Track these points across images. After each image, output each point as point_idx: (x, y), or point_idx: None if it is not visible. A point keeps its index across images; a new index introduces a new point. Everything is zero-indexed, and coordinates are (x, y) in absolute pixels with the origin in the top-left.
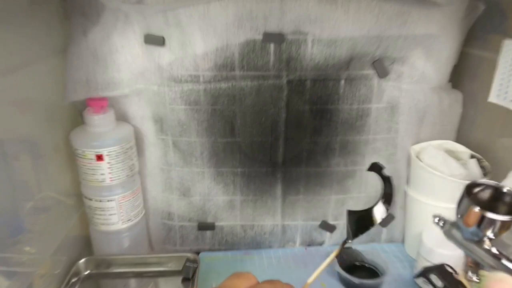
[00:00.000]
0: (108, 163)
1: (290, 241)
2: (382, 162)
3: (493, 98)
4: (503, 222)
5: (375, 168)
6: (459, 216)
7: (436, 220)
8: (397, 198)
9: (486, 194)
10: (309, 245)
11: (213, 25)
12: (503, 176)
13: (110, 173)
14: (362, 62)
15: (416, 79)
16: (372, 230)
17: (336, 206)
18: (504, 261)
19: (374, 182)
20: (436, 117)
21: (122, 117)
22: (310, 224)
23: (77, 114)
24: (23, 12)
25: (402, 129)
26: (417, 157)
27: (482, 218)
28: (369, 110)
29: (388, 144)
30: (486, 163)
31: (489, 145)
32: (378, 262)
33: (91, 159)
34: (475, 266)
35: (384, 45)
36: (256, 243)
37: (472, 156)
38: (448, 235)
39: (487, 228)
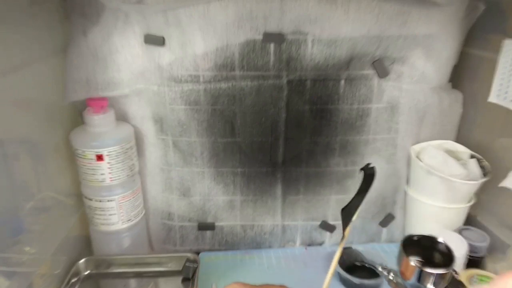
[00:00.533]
0: (108, 163)
1: (290, 241)
2: (382, 162)
3: (493, 98)
4: (440, 274)
5: (365, 168)
6: (398, 270)
7: (380, 268)
8: (397, 198)
9: (423, 246)
10: (309, 245)
11: (213, 25)
12: (503, 176)
13: (110, 173)
14: (362, 62)
15: (416, 79)
16: (372, 230)
17: (336, 206)
18: None
19: (374, 182)
20: (436, 117)
21: (122, 117)
22: (310, 224)
23: (77, 114)
24: (23, 12)
25: (402, 129)
26: (417, 157)
27: (420, 271)
28: (369, 110)
29: (388, 144)
30: (486, 163)
31: (489, 145)
32: (378, 262)
33: (91, 159)
34: None
35: (384, 45)
36: (256, 243)
37: (472, 156)
38: (393, 285)
39: (426, 281)
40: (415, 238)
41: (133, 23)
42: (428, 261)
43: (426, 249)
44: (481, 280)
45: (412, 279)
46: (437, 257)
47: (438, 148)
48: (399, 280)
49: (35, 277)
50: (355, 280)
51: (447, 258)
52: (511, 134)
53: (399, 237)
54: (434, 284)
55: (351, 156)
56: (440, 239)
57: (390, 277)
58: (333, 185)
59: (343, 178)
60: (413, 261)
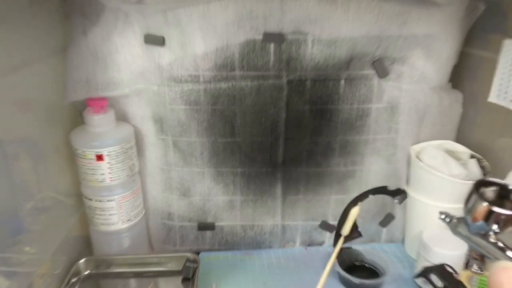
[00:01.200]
0: (108, 163)
1: (290, 241)
2: (382, 162)
3: (493, 98)
4: (508, 216)
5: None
6: (467, 211)
7: (443, 216)
8: (397, 198)
9: (492, 192)
10: (309, 245)
11: (213, 25)
12: (503, 176)
13: (110, 173)
14: (362, 62)
15: (416, 79)
16: (372, 230)
17: (336, 206)
18: (509, 253)
19: (374, 182)
20: (436, 117)
21: (122, 117)
22: (310, 224)
23: (77, 114)
24: (23, 12)
25: (402, 129)
26: (417, 157)
27: (489, 213)
28: (369, 110)
29: (388, 144)
30: (486, 163)
31: (489, 145)
32: (378, 262)
33: (91, 159)
34: (480, 258)
35: (384, 45)
36: (256, 243)
37: (472, 156)
38: (455, 231)
39: (493, 222)
40: (486, 184)
41: (133, 23)
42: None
43: (495, 196)
44: (481, 280)
45: (480, 221)
46: (507, 204)
47: (438, 148)
48: (461, 226)
49: (35, 277)
50: (355, 280)
51: None
52: (511, 134)
53: (399, 237)
54: (500, 227)
55: (351, 156)
56: (511, 186)
57: (453, 221)
58: (333, 185)
59: (343, 178)
60: (486, 204)
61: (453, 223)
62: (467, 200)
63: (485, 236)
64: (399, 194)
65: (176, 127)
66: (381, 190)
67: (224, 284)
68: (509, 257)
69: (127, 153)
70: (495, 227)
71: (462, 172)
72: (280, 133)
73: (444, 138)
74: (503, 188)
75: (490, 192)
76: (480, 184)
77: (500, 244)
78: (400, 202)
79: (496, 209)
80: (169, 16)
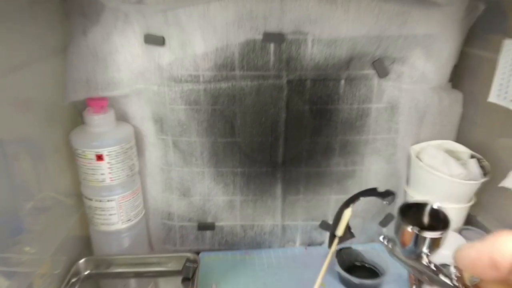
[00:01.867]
0: (108, 163)
1: (290, 241)
2: (382, 162)
3: (493, 98)
4: (433, 238)
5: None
6: (396, 237)
7: (381, 238)
8: (397, 198)
9: (421, 213)
10: (309, 245)
11: (213, 25)
12: (503, 176)
13: (110, 173)
14: (362, 62)
15: (416, 79)
16: (372, 230)
17: (336, 206)
18: (441, 276)
19: (374, 182)
20: (436, 117)
21: (122, 117)
22: (310, 224)
23: (77, 114)
24: (23, 12)
25: (402, 129)
26: (417, 157)
27: (416, 236)
28: (369, 110)
29: (388, 144)
30: (486, 163)
31: (489, 145)
32: (378, 262)
33: (91, 159)
34: (418, 283)
35: (384, 45)
36: (256, 243)
37: (472, 156)
38: (392, 255)
39: (421, 245)
40: (411, 205)
41: (133, 22)
42: (424, 227)
43: (423, 215)
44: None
45: (410, 245)
46: (434, 223)
47: (438, 148)
48: (398, 248)
49: (35, 277)
50: (355, 280)
51: (443, 223)
52: (511, 134)
53: None
54: (429, 249)
55: (351, 156)
56: (435, 206)
57: (390, 246)
58: (333, 185)
59: (343, 178)
60: (410, 227)
61: (390, 247)
62: (395, 225)
63: (418, 259)
64: (389, 195)
65: (176, 127)
66: (371, 192)
67: (224, 284)
68: (441, 280)
69: (127, 153)
70: (425, 249)
71: (462, 172)
72: (280, 133)
73: (444, 138)
74: (428, 207)
75: (416, 214)
76: (404, 208)
77: (433, 267)
78: (389, 203)
79: (419, 232)
80: (169, 16)
